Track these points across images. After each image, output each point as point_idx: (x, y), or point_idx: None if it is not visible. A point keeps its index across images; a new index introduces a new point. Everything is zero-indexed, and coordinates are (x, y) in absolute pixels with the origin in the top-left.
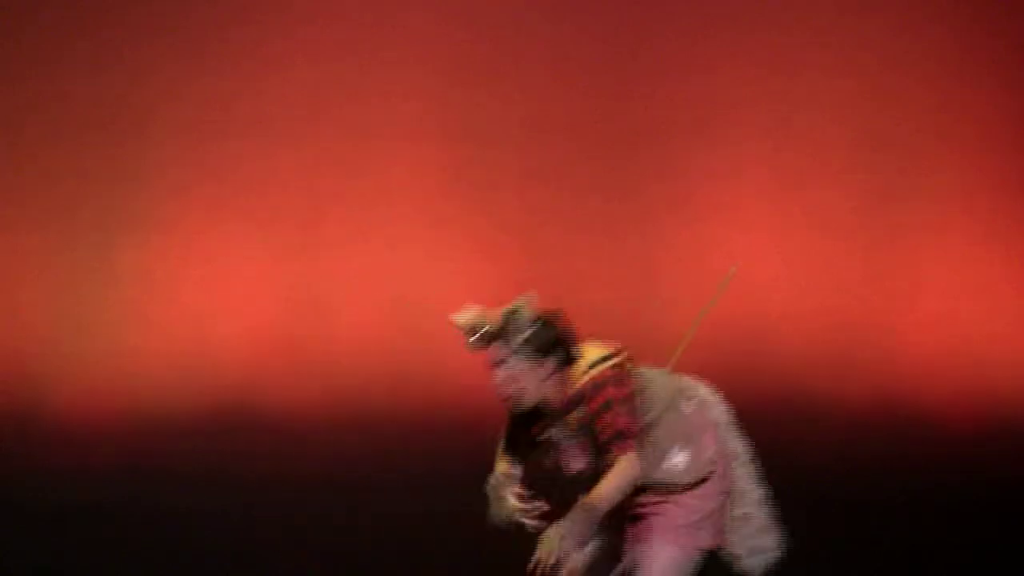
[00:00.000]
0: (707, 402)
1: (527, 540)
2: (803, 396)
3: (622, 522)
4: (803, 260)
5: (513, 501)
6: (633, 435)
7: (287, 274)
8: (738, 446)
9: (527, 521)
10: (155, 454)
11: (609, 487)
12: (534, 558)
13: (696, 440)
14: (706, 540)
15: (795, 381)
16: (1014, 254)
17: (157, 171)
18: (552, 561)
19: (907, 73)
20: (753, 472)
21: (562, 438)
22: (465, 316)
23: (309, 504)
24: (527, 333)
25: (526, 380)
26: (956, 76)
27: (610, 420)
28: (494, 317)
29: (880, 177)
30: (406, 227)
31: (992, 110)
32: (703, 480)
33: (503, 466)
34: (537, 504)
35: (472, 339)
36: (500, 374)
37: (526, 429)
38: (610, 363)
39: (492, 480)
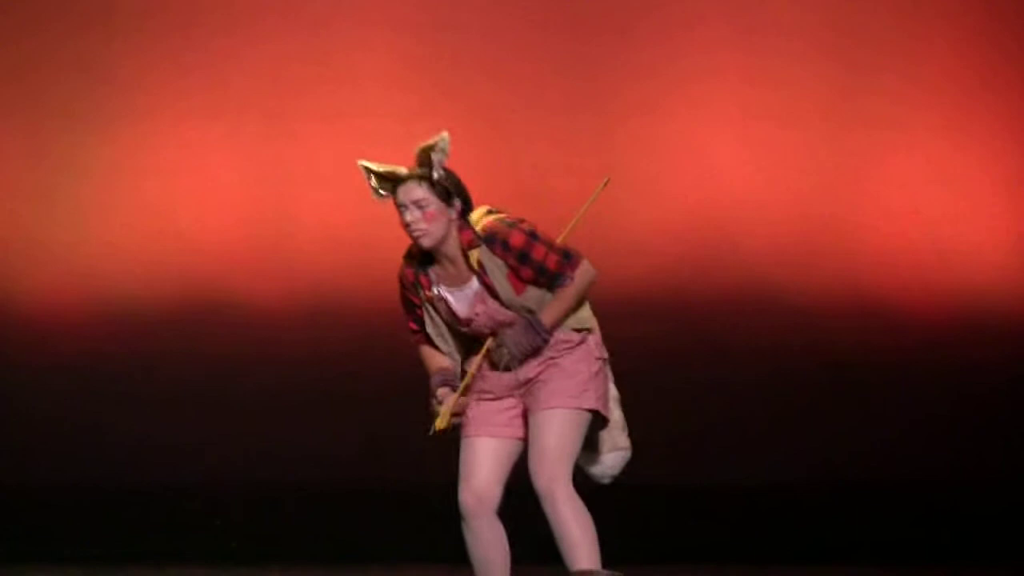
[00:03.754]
0: None
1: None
2: (767, 286)
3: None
4: (769, 151)
5: (442, 408)
6: (573, 250)
7: (255, 165)
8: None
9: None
10: (120, 345)
11: (568, 292)
12: (501, 362)
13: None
14: (591, 402)
15: (760, 271)
16: (977, 145)
17: (122, 61)
18: (514, 367)
19: None
20: (609, 373)
21: (453, 288)
22: (373, 163)
23: (275, 396)
24: (444, 171)
25: (437, 218)
26: None
27: (546, 246)
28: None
29: (846, 68)
30: (374, 118)
31: (960, 3)
32: (581, 342)
33: (436, 363)
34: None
35: (384, 182)
36: (413, 213)
37: (418, 296)
38: (505, 213)
39: (432, 383)
